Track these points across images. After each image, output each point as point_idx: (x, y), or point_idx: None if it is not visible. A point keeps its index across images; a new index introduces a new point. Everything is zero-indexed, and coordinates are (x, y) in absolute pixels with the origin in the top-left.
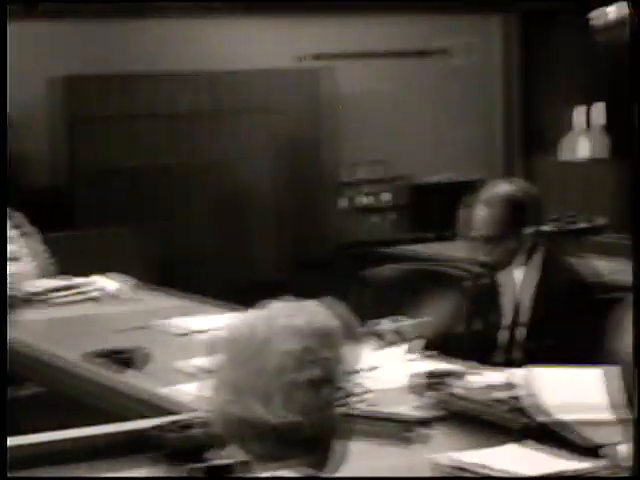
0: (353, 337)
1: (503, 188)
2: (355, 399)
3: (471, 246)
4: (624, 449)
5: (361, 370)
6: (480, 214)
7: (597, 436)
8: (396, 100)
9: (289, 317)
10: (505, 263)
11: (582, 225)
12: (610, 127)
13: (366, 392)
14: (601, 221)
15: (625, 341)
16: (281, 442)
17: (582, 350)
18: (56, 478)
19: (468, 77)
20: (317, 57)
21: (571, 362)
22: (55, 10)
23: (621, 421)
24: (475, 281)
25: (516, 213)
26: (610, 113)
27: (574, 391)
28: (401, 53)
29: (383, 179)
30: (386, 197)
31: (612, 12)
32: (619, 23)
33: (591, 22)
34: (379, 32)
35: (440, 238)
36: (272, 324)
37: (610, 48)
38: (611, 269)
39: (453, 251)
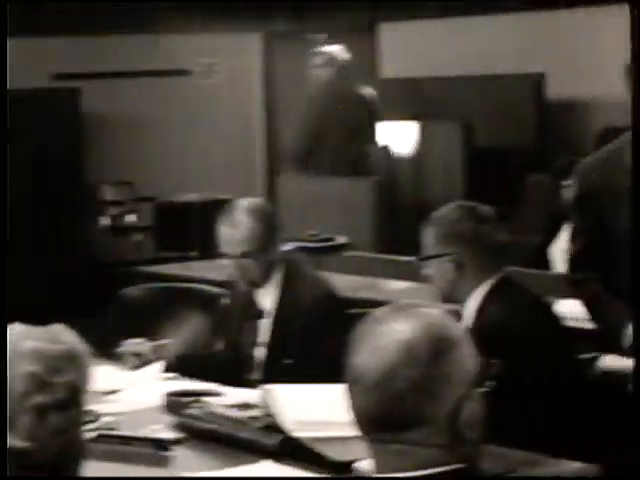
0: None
1: (251, 206)
2: (105, 420)
3: (222, 264)
4: (367, 465)
5: (111, 391)
6: (229, 232)
7: (343, 452)
8: (146, 120)
9: (34, 340)
10: (254, 281)
11: (325, 243)
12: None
13: (115, 414)
14: (343, 239)
15: (356, 360)
16: (19, 467)
17: (325, 367)
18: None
19: (217, 97)
20: (60, 77)
21: (315, 379)
22: None
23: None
24: (224, 300)
25: (264, 230)
26: None
27: (318, 408)
28: (149, 73)
29: (134, 199)
30: (138, 217)
31: (332, 51)
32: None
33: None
34: (128, 52)
35: (193, 257)
36: (16, 347)
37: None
38: (352, 285)
39: (205, 270)
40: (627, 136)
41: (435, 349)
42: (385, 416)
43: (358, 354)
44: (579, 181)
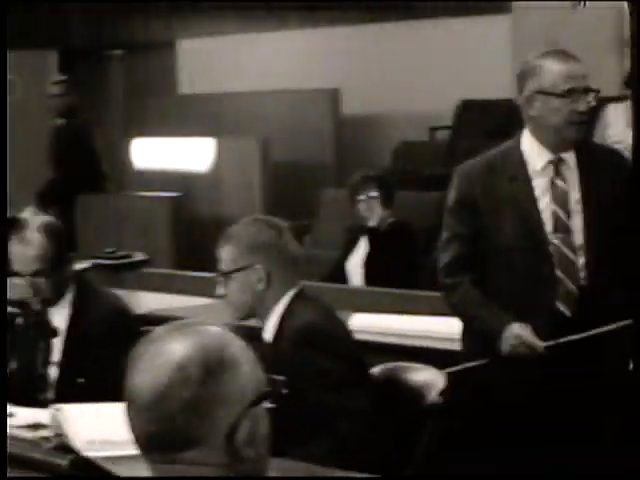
0: None
1: (42, 224)
2: None
3: (15, 283)
4: None
5: None
6: (21, 250)
7: (135, 471)
8: None
9: None
10: (47, 299)
11: (122, 260)
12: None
13: None
14: (140, 255)
15: (131, 379)
16: None
17: (117, 385)
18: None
19: (16, 113)
20: None
21: (110, 398)
22: None
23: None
24: (17, 319)
25: (56, 248)
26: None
27: (108, 427)
28: None
29: None
30: None
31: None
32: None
33: None
34: None
35: None
36: None
37: None
38: (150, 302)
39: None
40: (510, 143)
41: (208, 369)
42: (161, 436)
43: (134, 373)
44: (458, 186)
